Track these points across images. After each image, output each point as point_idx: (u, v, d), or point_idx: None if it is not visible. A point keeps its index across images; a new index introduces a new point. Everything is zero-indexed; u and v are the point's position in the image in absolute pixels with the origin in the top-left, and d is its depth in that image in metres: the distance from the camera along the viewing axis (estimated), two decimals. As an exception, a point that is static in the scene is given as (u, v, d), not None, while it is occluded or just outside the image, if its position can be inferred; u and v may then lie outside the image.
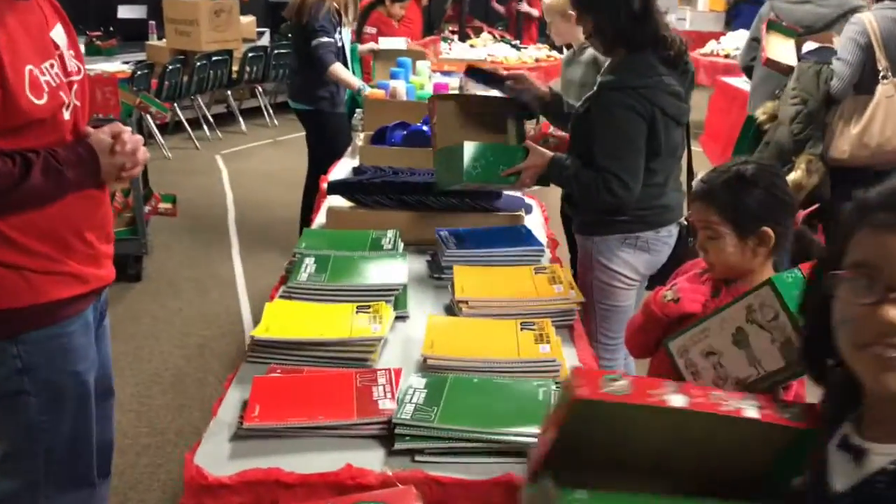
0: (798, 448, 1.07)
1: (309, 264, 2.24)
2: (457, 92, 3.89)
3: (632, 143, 2.31)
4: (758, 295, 1.40)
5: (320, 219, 2.90)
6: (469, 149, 2.43)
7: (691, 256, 2.47)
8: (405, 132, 3.40)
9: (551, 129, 3.06)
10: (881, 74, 3.36)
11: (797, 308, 1.19)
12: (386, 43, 5.27)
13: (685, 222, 2.58)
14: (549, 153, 2.46)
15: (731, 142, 6.93)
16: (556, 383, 1.72)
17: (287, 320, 1.95)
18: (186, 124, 7.80)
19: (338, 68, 4.44)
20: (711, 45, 10.51)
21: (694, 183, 1.81)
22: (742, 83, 7.03)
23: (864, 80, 3.40)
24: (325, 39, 4.37)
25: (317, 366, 1.83)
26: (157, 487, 2.79)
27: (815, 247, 1.60)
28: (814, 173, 3.43)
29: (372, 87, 4.34)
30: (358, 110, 4.10)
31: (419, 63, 4.41)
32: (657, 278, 2.52)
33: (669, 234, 2.53)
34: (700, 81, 8.91)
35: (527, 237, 2.50)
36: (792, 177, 3.40)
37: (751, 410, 1.07)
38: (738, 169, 1.65)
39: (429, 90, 3.93)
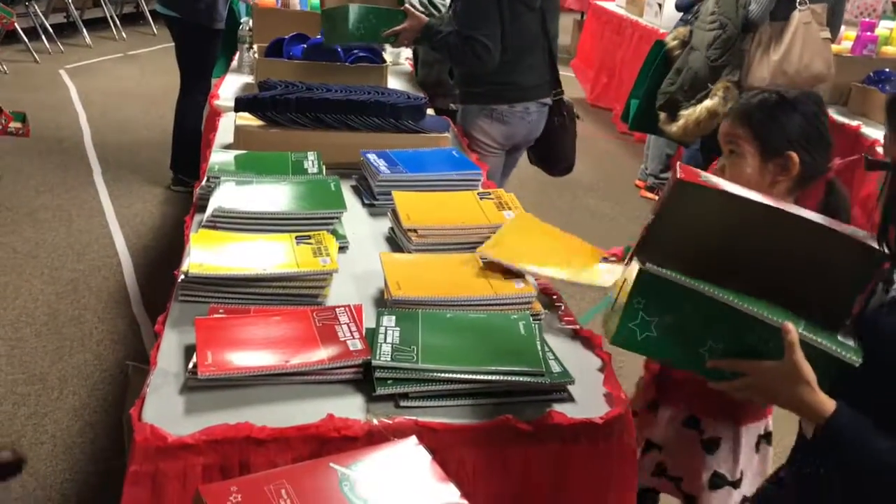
0: (866, 270, 1.16)
1: (231, 187, 2.00)
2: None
3: (486, 13, 2.64)
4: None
5: (223, 139, 2.62)
6: (353, 11, 2.77)
7: (561, 134, 3.01)
8: (305, 45, 3.13)
9: None
10: (798, 1, 3.37)
11: None
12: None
13: (549, 102, 2.94)
14: (426, 18, 2.79)
15: (605, 66, 7.03)
16: (534, 316, 1.62)
17: (220, 253, 1.72)
18: (22, 34, 6.97)
19: None
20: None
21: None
22: (615, 7, 7.08)
23: (781, 7, 3.39)
24: None
25: (262, 304, 1.63)
26: (47, 440, 2.49)
27: (842, 201, 1.51)
28: (730, 101, 3.40)
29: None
30: (244, 20, 3.72)
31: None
32: (534, 152, 3.06)
33: (526, 110, 2.87)
34: (570, 6, 8.89)
35: (461, 160, 2.36)
36: (707, 104, 3.41)
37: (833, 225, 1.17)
38: (781, 92, 1.55)
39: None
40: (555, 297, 1.81)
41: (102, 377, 2.78)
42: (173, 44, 4.30)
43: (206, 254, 1.70)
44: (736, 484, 1.72)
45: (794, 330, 1.11)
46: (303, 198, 1.98)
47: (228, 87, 3.29)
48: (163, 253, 3.71)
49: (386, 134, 2.48)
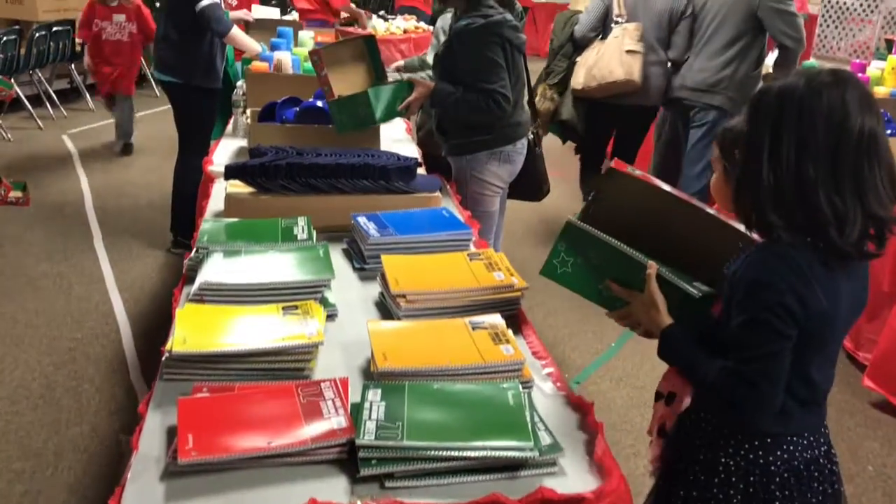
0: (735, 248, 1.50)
1: (216, 260, 1.99)
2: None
3: (500, 67, 2.80)
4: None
5: (214, 206, 2.62)
6: (373, 95, 2.82)
7: (539, 162, 3.31)
8: (297, 109, 3.15)
9: None
10: (614, 20, 4.19)
11: None
12: (260, 12, 4.91)
13: (531, 135, 3.20)
14: (431, 84, 2.90)
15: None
16: (523, 384, 1.58)
17: (204, 328, 1.69)
18: (26, 101, 7.07)
19: (236, 31, 4.00)
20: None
21: None
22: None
23: (608, 29, 4.26)
24: (217, 1, 3.90)
25: (248, 380, 1.60)
26: (41, 519, 2.45)
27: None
28: (546, 100, 4.37)
29: (246, 60, 4.01)
30: (239, 84, 3.75)
31: (301, 33, 4.12)
32: (515, 186, 3.20)
33: (523, 146, 3.08)
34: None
35: (451, 220, 2.35)
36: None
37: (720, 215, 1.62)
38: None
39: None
40: (545, 361, 1.78)
41: (98, 450, 2.74)
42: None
43: (191, 330, 1.68)
44: None
45: (654, 266, 1.54)
46: (291, 266, 1.97)
47: (223, 151, 3.31)
48: (161, 318, 3.68)
49: (377, 196, 2.47)
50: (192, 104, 4.19)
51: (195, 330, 1.69)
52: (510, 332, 1.72)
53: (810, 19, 6.09)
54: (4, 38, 6.61)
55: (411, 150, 3.43)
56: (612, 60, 4.11)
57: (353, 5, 7.02)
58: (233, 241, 2.13)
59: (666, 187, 1.66)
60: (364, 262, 2.19)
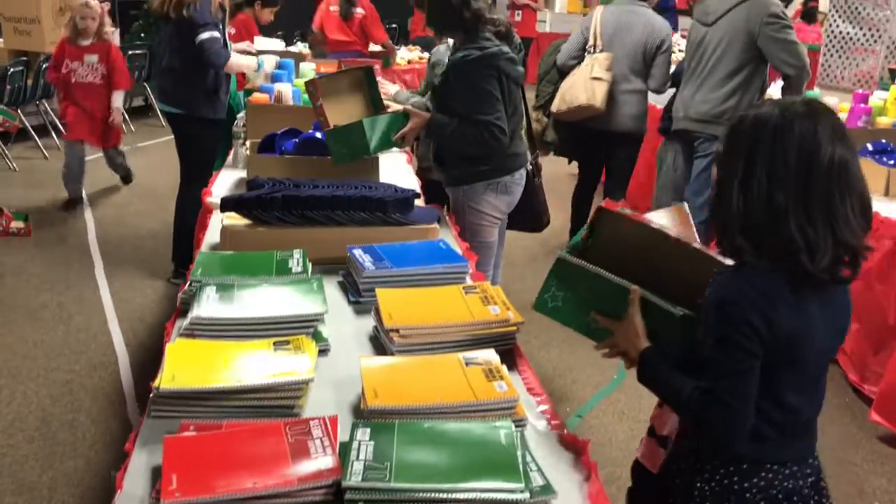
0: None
1: (211, 294, 1.97)
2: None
3: (496, 99, 2.79)
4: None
5: (211, 238, 2.60)
6: (368, 125, 2.80)
7: (539, 193, 3.33)
8: (296, 140, 3.15)
9: None
10: (587, 50, 4.48)
11: None
12: (262, 44, 4.94)
13: (531, 166, 3.22)
14: (427, 115, 2.90)
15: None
16: (516, 422, 1.55)
17: (194, 364, 1.68)
18: (32, 132, 7.11)
19: (233, 58, 4.06)
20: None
21: None
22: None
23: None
24: (216, 34, 3.94)
25: (237, 418, 1.57)
26: (31, 556, 2.42)
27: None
28: (535, 122, 4.56)
29: (248, 91, 4.03)
30: (239, 116, 3.76)
31: (302, 65, 4.14)
32: (514, 216, 3.20)
33: (521, 176, 3.08)
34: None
35: (448, 253, 2.33)
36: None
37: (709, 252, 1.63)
38: None
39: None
40: (540, 398, 1.75)
41: (91, 483, 2.71)
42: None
43: (180, 366, 1.66)
44: None
45: (637, 291, 1.61)
46: (284, 300, 1.95)
47: (222, 183, 3.31)
48: (159, 349, 3.62)
49: (374, 228, 2.46)
50: (195, 134, 4.20)
51: (184, 366, 1.67)
52: (504, 368, 1.69)
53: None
54: (12, 70, 6.66)
55: (411, 181, 3.43)
56: (578, 86, 4.41)
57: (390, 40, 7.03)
58: (227, 275, 2.11)
59: (655, 225, 1.70)
60: (359, 295, 2.17)
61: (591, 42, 4.51)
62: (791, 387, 1.46)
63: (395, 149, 3.28)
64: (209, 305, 1.90)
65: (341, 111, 2.98)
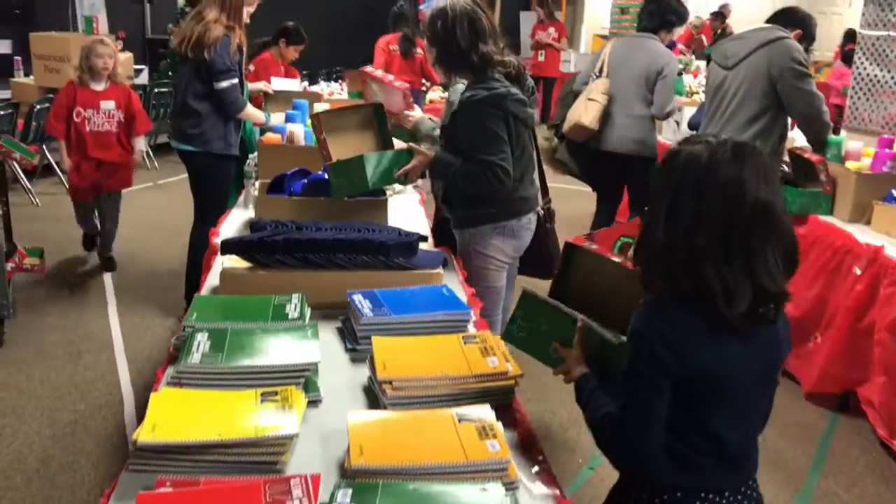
0: None
1: (202, 341, 1.92)
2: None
3: (501, 141, 2.73)
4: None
5: (212, 280, 2.56)
6: (369, 160, 2.77)
7: (551, 238, 3.26)
8: (305, 181, 3.12)
9: None
10: (593, 76, 4.81)
11: None
12: (279, 84, 4.95)
13: (542, 211, 3.15)
14: (431, 152, 2.85)
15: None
16: (506, 485, 1.47)
17: (177, 416, 1.61)
18: (57, 168, 7.19)
19: (248, 108, 4.15)
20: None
21: None
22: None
23: None
24: (235, 81, 4.03)
25: (218, 473, 1.51)
26: None
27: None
28: (545, 140, 4.89)
29: (262, 130, 4.04)
30: (251, 156, 3.74)
31: (317, 105, 4.13)
32: (526, 261, 3.15)
33: (529, 221, 3.01)
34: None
35: (450, 300, 2.25)
36: None
37: None
38: None
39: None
40: (541, 458, 1.67)
41: (86, 531, 2.66)
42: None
43: (163, 417, 1.60)
44: None
45: (583, 321, 1.74)
46: (276, 349, 1.89)
47: (231, 223, 3.28)
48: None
49: (376, 272, 2.40)
50: (209, 172, 4.21)
51: (167, 417, 1.61)
52: (499, 425, 1.62)
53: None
54: (38, 107, 6.77)
55: (421, 223, 3.38)
56: (578, 107, 4.73)
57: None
58: (221, 320, 2.06)
59: (617, 259, 1.87)
60: (356, 343, 2.11)
61: (597, 68, 4.81)
62: (718, 418, 1.49)
63: (405, 187, 3.24)
64: (199, 353, 1.85)
65: (349, 147, 2.95)
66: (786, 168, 4.16)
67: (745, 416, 1.54)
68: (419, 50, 6.52)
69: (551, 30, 11.17)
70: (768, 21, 4.06)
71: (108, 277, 5.14)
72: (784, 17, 4.02)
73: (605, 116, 4.68)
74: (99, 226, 5.34)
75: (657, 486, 1.52)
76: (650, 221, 1.47)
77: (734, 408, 1.49)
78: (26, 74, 8.03)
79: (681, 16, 4.87)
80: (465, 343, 1.97)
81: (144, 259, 5.53)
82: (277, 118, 4.17)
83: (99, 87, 4.96)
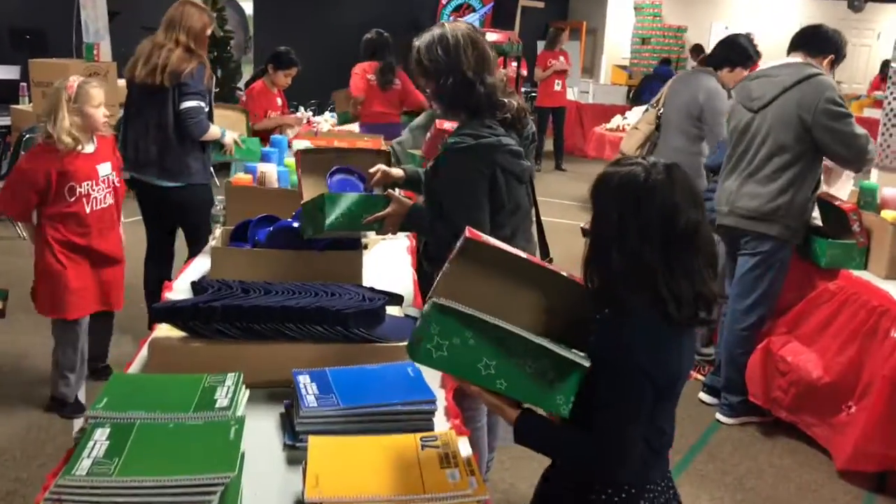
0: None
1: (99, 441, 1.56)
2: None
3: (475, 199, 2.46)
4: None
5: (145, 352, 2.20)
6: (330, 201, 2.48)
7: None
8: (270, 229, 2.77)
9: None
10: (652, 105, 5.15)
11: None
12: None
13: None
14: (409, 203, 2.57)
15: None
16: None
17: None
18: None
19: (211, 129, 4.05)
20: (617, 120, 10.38)
21: None
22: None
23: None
24: (202, 104, 3.92)
25: None
26: None
27: None
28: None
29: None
30: (218, 199, 3.38)
31: (295, 142, 3.80)
32: None
33: None
34: (608, 156, 8.69)
35: (415, 382, 1.89)
36: None
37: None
38: None
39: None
40: None
41: None
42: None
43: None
44: None
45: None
46: (185, 455, 1.53)
47: (189, 275, 2.92)
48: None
49: (333, 345, 2.05)
50: (196, 202, 4.10)
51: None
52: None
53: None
54: (28, 136, 6.52)
55: (407, 274, 3.03)
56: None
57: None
58: (134, 409, 1.71)
59: (521, 254, 1.70)
60: (295, 439, 1.74)
61: (655, 99, 5.11)
62: (667, 414, 1.66)
63: (380, 235, 2.89)
64: (89, 460, 1.50)
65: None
66: (815, 217, 3.77)
67: (674, 408, 1.69)
68: (398, 81, 6.18)
69: (562, 58, 10.83)
70: (792, 46, 3.67)
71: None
72: (811, 43, 3.62)
73: (653, 147, 4.93)
74: (86, 352, 3.76)
75: (612, 484, 1.62)
76: (598, 243, 1.61)
77: (674, 401, 1.68)
78: (31, 101, 7.82)
79: (745, 57, 4.52)
80: (422, 448, 1.61)
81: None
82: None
83: (90, 147, 3.52)
